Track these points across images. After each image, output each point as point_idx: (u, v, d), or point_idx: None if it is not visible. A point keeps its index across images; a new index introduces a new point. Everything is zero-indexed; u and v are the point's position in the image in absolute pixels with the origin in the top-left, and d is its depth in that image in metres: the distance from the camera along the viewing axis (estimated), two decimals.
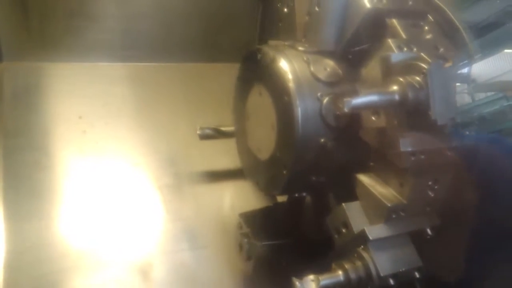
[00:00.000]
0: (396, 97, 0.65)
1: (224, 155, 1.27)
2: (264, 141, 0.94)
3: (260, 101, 0.95)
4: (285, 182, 0.89)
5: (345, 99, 0.62)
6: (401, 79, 0.66)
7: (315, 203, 1.01)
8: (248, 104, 1.02)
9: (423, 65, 0.66)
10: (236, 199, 1.26)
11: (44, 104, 1.24)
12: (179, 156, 1.28)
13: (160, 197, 1.19)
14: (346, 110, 0.62)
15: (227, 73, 1.14)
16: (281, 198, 1.15)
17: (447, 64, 0.66)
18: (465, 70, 0.67)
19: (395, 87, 0.66)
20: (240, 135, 1.08)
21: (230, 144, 1.18)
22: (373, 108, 0.71)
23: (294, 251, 1.05)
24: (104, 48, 1.38)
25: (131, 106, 1.33)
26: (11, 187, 1.07)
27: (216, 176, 1.27)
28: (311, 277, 0.80)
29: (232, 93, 1.10)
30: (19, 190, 1.08)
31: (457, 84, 0.66)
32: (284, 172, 0.87)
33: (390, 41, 0.76)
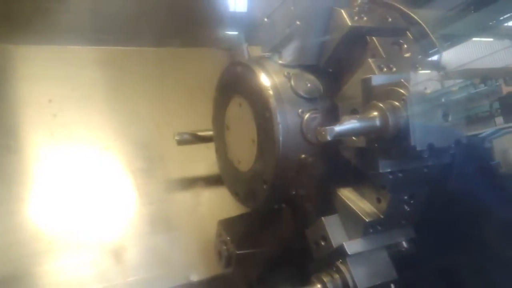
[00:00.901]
0: (377, 122, 0.66)
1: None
2: (244, 153, 0.94)
3: (240, 112, 0.95)
4: (265, 196, 0.90)
5: (327, 128, 0.63)
6: (381, 104, 0.67)
7: (294, 213, 1.02)
8: (228, 114, 1.01)
9: (402, 91, 0.67)
10: (209, 181, 1.26)
11: (12, 87, 1.20)
12: (151, 140, 1.27)
13: (133, 180, 1.18)
14: (329, 138, 0.63)
15: (199, 58, 1.14)
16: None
17: (427, 92, 0.67)
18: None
19: (375, 113, 0.67)
20: (219, 144, 1.08)
21: (201, 127, 1.19)
22: (355, 134, 0.72)
23: (272, 259, 1.07)
24: (74, 31, 1.32)
25: (103, 90, 1.29)
26: None
27: (189, 159, 1.26)
28: None
29: (204, 78, 1.12)
30: None
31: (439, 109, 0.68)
32: (265, 186, 0.88)
33: (370, 61, 0.77)
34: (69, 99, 1.23)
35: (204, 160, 1.25)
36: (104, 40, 1.35)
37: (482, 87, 10.79)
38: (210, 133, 1.16)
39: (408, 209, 0.85)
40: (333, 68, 0.88)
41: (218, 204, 1.19)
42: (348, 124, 0.65)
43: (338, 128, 0.64)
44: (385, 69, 0.77)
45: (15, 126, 1.15)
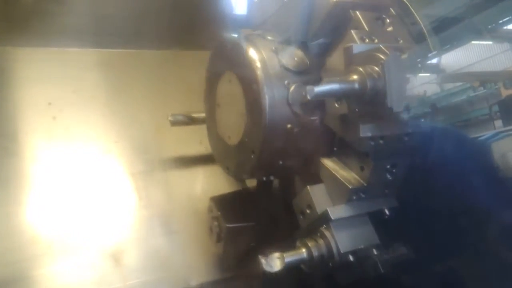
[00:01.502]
0: (356, 85, 0.70)
1: (196, 142, 1.28)
2: (234, 128, 0.98)
3: (230, 88, 0.98)
4: (253, 166, 0.93)
5: (308, 87, 0.67)
6: (361, 69, 0.71)
7: (282, 186, 1.06)
8: (218, 92, 1.05)
9: (381, 56, 0.70)
10: (208, 184, 1.26)
11: (11, 89, 1.19)
12: (151, 143, 1.27)
13: (133, 183, 1.18)
14: (309, 97, 0.67)
15: (200, 60, 1.14)
16: (251, 183, 1.19)
17: (404, 56, 0.70)
18: (419, 61, 0.72)
19: (355, 77, 0.71)
20: (211, 122, 1.11)
21: (202, 131, 1.20)
22: (334, 96, 0.75)
23: (262, 232, 1.10)
24: (74, 33, 1.32)
25: (103, 93, 1.29)
26: None
27: (188, 162, 1.27)
28: (277, 254, 0.85)
29: (204, 80, 1.11)
30: None
31: (414, 74, 0.71)
32: (252, 156, 0.91)
33: (353, 32, 0.81)
34: (69, 101, 1.23)
35: (206, 164, 1.27)
36: (104, 43, 1.35)
37: (481, 90, 10.83)
38: (204, 115, 1.19)
39: (391, 178, 0.88)
40: (319, 43, 0.92)
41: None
42: (328, 85, 0.68)
43: (317, 88, 0.67)
44: (367, 40, 0.81)
45: (14, 129, 1.15)
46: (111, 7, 1.34)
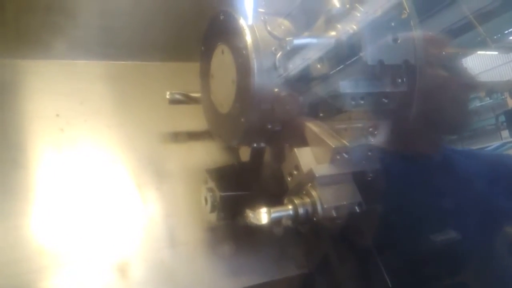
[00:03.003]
0: (333, 40, 0.75)
1: (204, 154, 1.32)
2: (226, 96, 1.03)
3: (222, 59, 1.04)
4: (243, 130, 0.98)
5: (287, 39, 0.72)
6: (338, 26, 0.77)
7: (273, 155, 1.11)
8: (212, 64, 1.11)
9: (357, 13, 0.76)
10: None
11: (20, 101, 1.22)
12: (158, 154, 1.28)
13: (139, 195, 1.19)
14: (288, 48, 0.72)
15: None
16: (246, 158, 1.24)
17: (377, 13, 0.76)
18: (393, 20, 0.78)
19: (332, 33, 0.76)
20: (205, 96, 1.17)
21: (211, 144, 1.26)
22: (311, 48, 0.81)
23: (255, 201, 1.14)
24: (82, 46, 1.34)
25: (110, 104, 1.31)
26: None
27: (196, 173, 1.27)
28: (264, 209, 0.89)
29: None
30: None
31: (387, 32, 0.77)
32: (242, 120, 0.97)
33: None
34: (76, 113, 1.25)
35: None
36: (111, 55, 1.38)
37: (487, 100, 10.81)
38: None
39: (373, 140, 0.93)
40: (304, 14, 0.98)
41: (227, 222, 1.19)
42: (306, 39, 0.74)
43: (296, 40, 0.73)
44: (347, 6, 0.87)
45: (23, 141, 1.17)
46: (118, 20, 1.37)
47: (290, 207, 0.92)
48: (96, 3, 1.34)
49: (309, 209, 0.91)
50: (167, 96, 1.26)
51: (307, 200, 0.92)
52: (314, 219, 0.91)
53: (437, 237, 1.02)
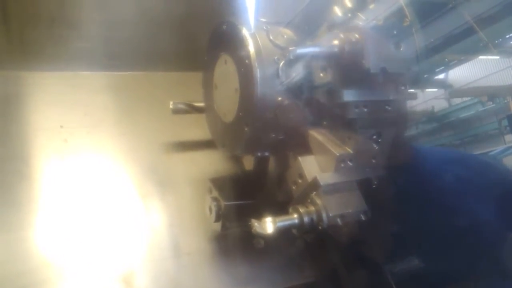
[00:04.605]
0: (335, 49, 0.76)
1: (208, 164, 1.32)
2: (229, 105, 1.04)
3: (225, 69, 1.05)
4: (247, 140, 0.99)
5: (290, 48, 0.73)
6: (341, 35, 0.77)
7: (277, 164, 1.11)
8: (215, 74, 1.11)
9: (360, 22, 0.76)
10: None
11: (24, 113, 1.23)
12: (161, 164, 1.28)
13: (143, 205, 1.19)
14: (291, 57, 0.73)
15: None
16: (250, 167, 1.24)
17: (379, 22, 0.76)
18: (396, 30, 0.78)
19: (335, 41, 0.77)
20: (209, 105, 1.17)
21: (213, 153, 1.25)
22: (314, 56, 0.81)
23: (260, 210, 1.14)
24: (85, 57, 1.35)
25: (113, 115, 1.32)
26: None
27: (200, 183, 1.27)
28: (269, 218, 0.89)
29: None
30: None
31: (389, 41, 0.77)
32: (246, 129, 0.97)
33: (336, 8, 0.87)
34: (80, 124, 1.25)
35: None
36: (115, 66, 1.38)
37: (490, 105, 10.82)
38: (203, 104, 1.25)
39: (377, 147, 0.93)
40: (306, 23, 0.98)
41: (230, 232, 1.19)
42: (309, 48, 0.74)
43: (299, 50, 0.73)
44: (349, 15, 0.87)
45: (28, 152, 1.17)
46: (121, 31, 1.37)
47: (295, 216, 0.92)
48: (99, 14, 1.35)
49: (314, 217, 0.90)
50: (171, 106, 1.26)
51: (312, 208, 0.92)
52: (320, 227, 0.90)
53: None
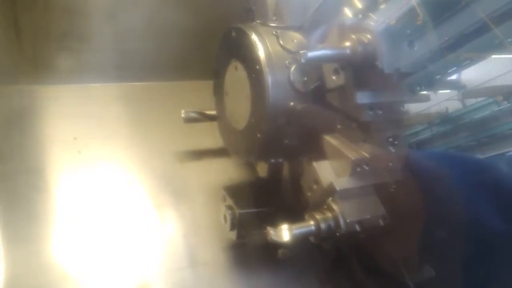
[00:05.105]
0: (347, 51, 0.74)
1: (222, 173, 1.31)
2: (241, 112, 1.03)
3: (236, 75, 1.04)
4: (260, 146, 0.97)
5: (301, 52, 0.71)
6: (353, 36, 0.75)
7: (291, 170, 1.09)
8: (226, 81, 1.10)
9: (371, 23, 0.75)
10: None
11: (38, 126, 1.24)
12: (175, 174, 1.29)
13: (158, 215, 1.19)
14: (303, 60, 0.71)
15: None
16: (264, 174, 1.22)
17: (392, 22, 0.75)
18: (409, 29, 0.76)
19: (347, 43, 0.75)
20: (220, 113, 1.16)
21: (228, 161, 1.26)
22: (326, 60, 0.79)
23: (274, 218, 1.12)
24: (97, 69, 1.37)
25: (126, 126, 1.33)
26: (7, 211, 1.08)
27: (214, 193, 1.27)
28: (285, 226, 0.87)
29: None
30: (15, 213, 1.08)
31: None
32: (259, 135, 0.95)
33: (345, 9, 0.85)
34: (93, 135, 1.27)
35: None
36: (126, 77, 1.40)
37: (505, 104, 10.62)
38: (215, 112, 1.24)
39: (393, 151, 0.91)
40: (317, 27, 0.97)
41: (246, 240, 1.17)
42: (320, 51, 0.73)
43: (311, 53, 0.72)
44: (360, 16, 0.86)
45: (42, 165, 1.18)
46: (131, 42, 1.40)
47: (312, 222, 0.89)
48: (109, 27, 1.38)
49: (332, 224, 0.88)
50: (182, 115, 1.26)
51: (329, 215, 0.89)
52: (337, 234, 0.88)
53: None
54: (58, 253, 1.07)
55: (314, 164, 0.94)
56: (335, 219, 0.88)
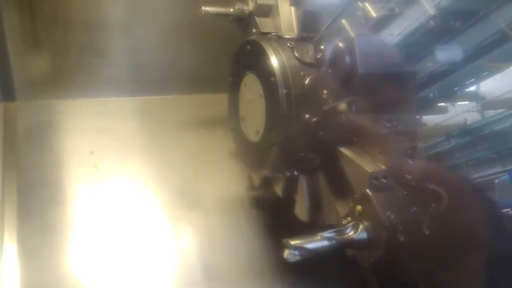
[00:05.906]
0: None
1: (236, 185, 1.31)
2: (256, 124, 1.02)
3: (251, 88, 1.04)
4: (275, 158, 0.96)
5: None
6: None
7: (308, 182, 1.07)
8: (241, 94, 1.10)
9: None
10: (249, 229, 1.27)
11: (56, 140, 1.26)
12: (190, 188, 1.29)
13: (173, 229, 1.19)
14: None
15: None
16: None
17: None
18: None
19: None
20: (235, 125, 1.16)
21: (243, 173, 1.25)
22: None
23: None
24: (114, 83, 1.39)
25: (141, 139, 1.34)
26: (25, 223, 1.09)
27: (229, 206, 1.28)
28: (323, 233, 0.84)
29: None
30: (33, 226, 1.10)
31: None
32: (274, 148, 0.95)
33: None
34: (109, 149, 1.28)
35: (247, 207, 1.29)
36: (141, 90, 1.41)
37: None
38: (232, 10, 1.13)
39: (412, 163, 0.89)
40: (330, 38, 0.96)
41: (260, 254, 1.19)
42: None
43: None
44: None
45: (60, 178, 1.20)
46: (147, 56, 1.41)
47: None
48: (125, 42, 1.39)
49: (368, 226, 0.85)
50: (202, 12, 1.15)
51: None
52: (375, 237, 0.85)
53: None
54: (74, 266, 1.08)
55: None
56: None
